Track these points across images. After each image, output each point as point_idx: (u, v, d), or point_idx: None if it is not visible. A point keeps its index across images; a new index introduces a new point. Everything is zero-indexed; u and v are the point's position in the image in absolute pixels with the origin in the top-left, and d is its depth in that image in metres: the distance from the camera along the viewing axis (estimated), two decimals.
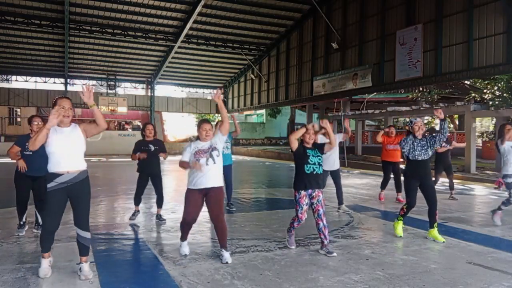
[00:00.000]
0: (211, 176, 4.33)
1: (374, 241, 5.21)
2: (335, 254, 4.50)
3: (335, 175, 7.25)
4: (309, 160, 4.65)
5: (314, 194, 4.68)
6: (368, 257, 4.49)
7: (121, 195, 8.92)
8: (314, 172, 4.65)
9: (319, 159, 4.71)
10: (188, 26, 20.57)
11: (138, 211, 6.43)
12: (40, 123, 5.05)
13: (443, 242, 5.08)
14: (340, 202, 7.33)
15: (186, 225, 4.53)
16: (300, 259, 4.42)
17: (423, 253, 4.73)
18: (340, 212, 7.11)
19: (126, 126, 34.52)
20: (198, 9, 18.96)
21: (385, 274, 3.95)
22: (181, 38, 21.82)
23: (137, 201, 6.33)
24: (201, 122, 4.47)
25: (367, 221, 6.46)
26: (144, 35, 21.91)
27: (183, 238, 4.61)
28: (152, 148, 6.15)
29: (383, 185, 8.45)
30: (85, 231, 3.84)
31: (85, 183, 3.85)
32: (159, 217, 6.28)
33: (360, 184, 11.60)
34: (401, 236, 5.34)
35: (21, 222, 5.34)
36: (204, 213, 6.97)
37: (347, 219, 6.55)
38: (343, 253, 4.63)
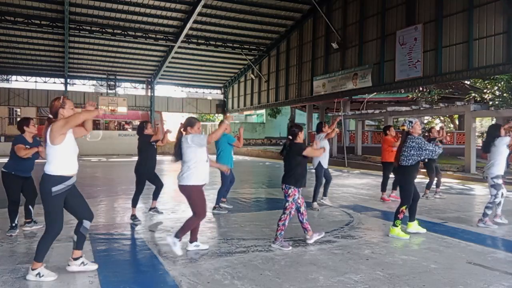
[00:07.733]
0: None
1: (374, 241, 5.21)
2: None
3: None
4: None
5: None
6: (368, 257, 4.49)
7: (121, 195, 8.92)
8: None
9: None
10: (188, 26, 20.57)
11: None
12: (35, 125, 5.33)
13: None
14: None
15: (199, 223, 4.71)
16: (300, 259, 4.42)
17: (423, 253, 4.72)
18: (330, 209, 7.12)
19: (126, 126, 34.54)
20: (198, 9, 18.97)
21: (385, 274, 3.95)
22: (181, 38, 21.82)
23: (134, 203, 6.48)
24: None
25: (367, 221, 6.46)
26: (144, 35, 21.91)
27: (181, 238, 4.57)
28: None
29: (384, 187, 8.44)
30: (89, 220, 3.96)
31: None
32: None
33: (360, 184, 11.60)
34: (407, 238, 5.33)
35: (13, 224, 5.31)
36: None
37: (347, 219, 6.55)
38: (343, 253, 4.63)
